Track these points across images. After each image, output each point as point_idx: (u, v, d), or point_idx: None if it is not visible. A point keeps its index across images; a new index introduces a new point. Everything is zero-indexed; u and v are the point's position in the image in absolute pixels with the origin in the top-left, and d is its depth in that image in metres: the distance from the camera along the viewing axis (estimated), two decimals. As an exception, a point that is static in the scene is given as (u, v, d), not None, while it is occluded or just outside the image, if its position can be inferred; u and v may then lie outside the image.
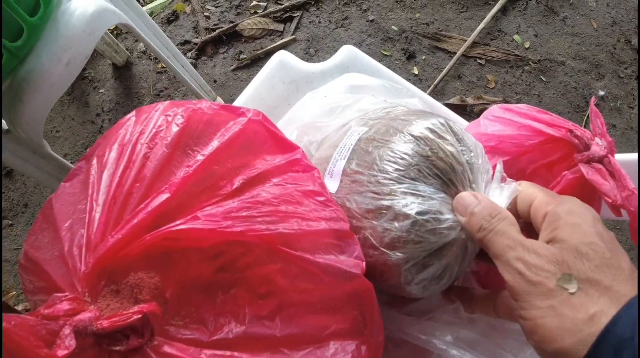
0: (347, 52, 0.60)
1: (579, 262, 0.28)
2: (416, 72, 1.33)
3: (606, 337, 0.26)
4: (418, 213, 0.35)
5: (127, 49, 1.38)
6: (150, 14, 1.43)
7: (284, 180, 0.37)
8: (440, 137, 0.38)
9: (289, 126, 0.49)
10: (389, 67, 1.29)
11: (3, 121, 0.73)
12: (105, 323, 0.28)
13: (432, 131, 0.38)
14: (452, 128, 0.39)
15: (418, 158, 0.37)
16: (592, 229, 0.30)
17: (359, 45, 1.36)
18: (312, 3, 1.43)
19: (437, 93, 1.31)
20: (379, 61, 1.31)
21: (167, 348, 0.30)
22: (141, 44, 1.39)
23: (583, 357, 0.26)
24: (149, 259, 0.32)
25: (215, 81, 1.32)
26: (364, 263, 0.35)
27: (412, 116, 0.41)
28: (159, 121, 0.38)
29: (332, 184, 0.41)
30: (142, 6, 1.45)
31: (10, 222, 1.31)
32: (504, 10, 1.45)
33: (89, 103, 1.36)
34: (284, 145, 0.39)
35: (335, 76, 0.57)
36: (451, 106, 1.10)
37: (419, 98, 0.54)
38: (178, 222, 0.31)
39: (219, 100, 1.25)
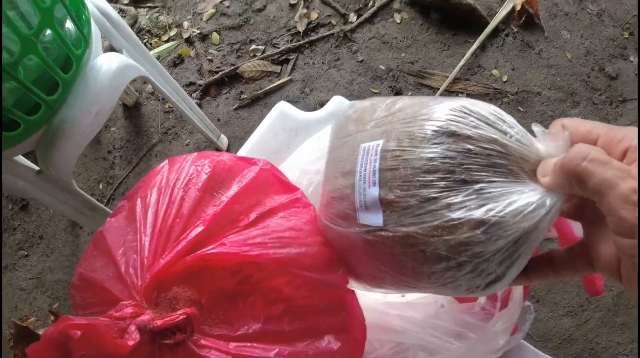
0: (337, 101, 0.72)
1: None
2: (402, 107, 1.46)
3: None
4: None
5: (136, 91, 1.50)
6: (158, 58, 1.55)
7: (288, 214, 0.48)
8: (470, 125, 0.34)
9: (289, 170, 0.60)
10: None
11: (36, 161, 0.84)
12: (159, 323, 0.39)
13: (456, 121, 0.34)
14: (471, 110, 0.35)
15: (460, 156, 0.33)
16: None
17: (350, 84, 1.49)
18: (307, 46, 1.56)
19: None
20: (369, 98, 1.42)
21: (203, 342, 0.40)
22: (149, 86, 1.51)
23: None
24: (188, 276, 0.42)
25: (219, 119, 1.44)
26: (347, 277, 0.46)
27: (425, 109, 0.37)
28: (190, 169, 0.49)
29: (372, 218, 0.37)
30: (150, 50, 1.58)
31: (26, 253, 1.40)
32: (482, 47, 1.58)
33: (101, 141, 1.47)
34: (288, 187, 0.50)
35: (328, 122, 0.69)
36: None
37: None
38: (210, 247, 0.42)
39: (223, 137, 1.36)
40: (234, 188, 0.48)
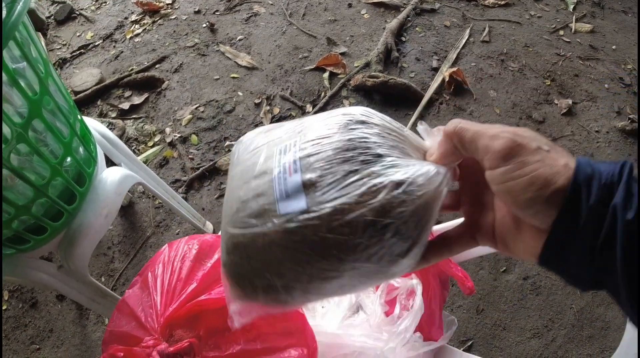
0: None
1: (533, 136, 0.36)
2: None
3: (578, 175, 0.33)
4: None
5: (129, 192, 1.72)
6: (145, 161, 1.79)
7: (255, 270, 0.69)
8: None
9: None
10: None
11: (58, 257, 1.04)
12: (172, 349, 0.58)
13: (366, 115, 0.41)
14: (374, 112, 0.42)
15: (373, 136, 0.39)
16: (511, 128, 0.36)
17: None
18: (272, 137, 1.82)
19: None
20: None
21: (203, 361, 0.60)
22: (140, 186, 1.74)
23: (569, 191, 0.33)
24: (189, 318, 0.62)
25: (203, 209, 1.66)
26: (300, 312, 0.66)
27: (335, 112, 0.43)
28: (184, 248, 0.70)
29: (295, 204, 0.37)
30: (138, 156, 1.82)
31: (37, 346, 1.54)
32: (421, 116, 1.86)
33: (101, 239, 1.67)
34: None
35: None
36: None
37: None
38: (202, 297, 0.63)
39: (208, 224, 1.58)
40: (215, 256, 0.69)
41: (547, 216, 0.34)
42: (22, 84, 0.73)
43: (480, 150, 0.36)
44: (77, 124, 0.96)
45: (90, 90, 2.08)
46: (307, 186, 0.37)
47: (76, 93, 2.10)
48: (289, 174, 0.37)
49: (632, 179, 0.32)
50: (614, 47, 2.15)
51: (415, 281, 0.74)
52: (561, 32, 2.17)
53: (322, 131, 0.40)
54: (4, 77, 0.70)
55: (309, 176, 0.37)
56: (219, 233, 0.51)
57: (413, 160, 0.39)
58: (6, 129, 0.73)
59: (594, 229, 0.32)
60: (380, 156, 0.37)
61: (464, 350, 1.35)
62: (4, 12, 0.67)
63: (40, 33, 2.45)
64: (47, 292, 1.60)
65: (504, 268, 1.54)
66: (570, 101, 1.92)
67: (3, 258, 0.95)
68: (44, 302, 1.59)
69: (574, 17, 2.23)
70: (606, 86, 2.00)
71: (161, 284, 0.66)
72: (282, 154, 0.39)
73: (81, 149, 0.99)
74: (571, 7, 2.28)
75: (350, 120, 0.40)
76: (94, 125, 1.13)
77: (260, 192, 0.38)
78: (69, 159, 0.91)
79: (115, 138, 1.16)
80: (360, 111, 0.42)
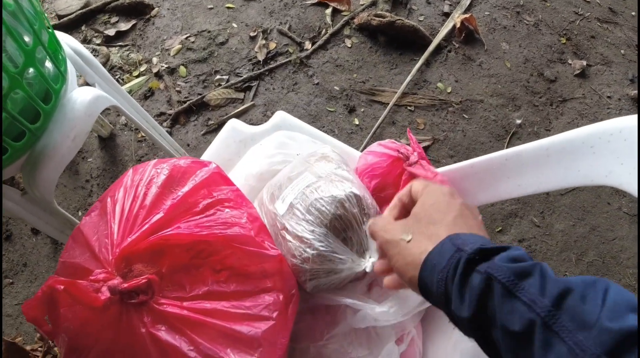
0: (280, 116, 0.85)
1: (416, 224, 0.44)
2: (357, 122, 1.60)
3: (426, 263, 0.40)
4: (323, 250, 0.58)
5: (110, 123, 1.61)
6: (130, 92, 1.67)
7: (231, 204, 0.60)
8: (350, 206, 0.60)
9: (238, 174, 0.72)
10: (333, 120, 1.56)
11: (22, 184, 0.94)
12: (126, 285, 0.50)
13: (345, 199, 0.60)
14: (359, 199, 0.61)
15: (332, 215, 0.59)
16: (432, 201, 0.45)
17: (308, 105, 1.62)
18: (267, 73, 1.70)
19: (376, 137, 1.57)
20: (325, 117, 1.56)
21: (162, 301, 0.51)
22: (123, 118, 1.63)
23: (418, 278, 0.40)
24: (151, 253, 0.54)
25: (188, 145, 1.55)
26: (277, 250, 0.57)
27: (337, 182, 0.63)
28: (151, 172, 0.60)
29: (281, 208, 0.64)
30: (122, 85, 1.70)
31: (11, 280, 1.48)
32: (427, 63, 1.74)
33: (79, 171, 1.57)
34: (231, 184, 0.62)
35: (271, 133, 0.81)
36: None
37: (331, 146, 0.78)
38: (168, 230, 0.54)
39: (192, 159, 1.48)
40: (189, 185, 0.59)
41: (414, 288, 0.42)
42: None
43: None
44: (44, 34, 0.84)
45: (74, 14, 1.92)
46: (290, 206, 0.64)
47: (60, 17, 1.94)
48: (280, 194, 0.66)
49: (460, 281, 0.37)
50: (633, 13, 2.02)
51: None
52: (582, -11, 2.03)
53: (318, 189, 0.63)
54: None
55: (295, 201, 0.63)
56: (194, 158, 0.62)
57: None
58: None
59: (443, 302, 0.39)
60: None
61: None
62: None
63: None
64: (21, 225, 1.52)
65: (500, 228, 1.47)
66: (584, 63, 1.81)
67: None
68: (18, 235, 1.51)
69: (597, -29, 2.07)
70: (622, 51, 1.89)
71: (120, 210, 0.57)
72: (292, 189, 0.65)
73: (49, 64, 0.87)
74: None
75: (335, 196, 0.62)
76: (66, 40, 1.01)
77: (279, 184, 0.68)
78: (31, 70, 0.80)
79: (90, 56, 1.04)
80: (346, 196, 0.62)
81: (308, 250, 0.57)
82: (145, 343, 0.50)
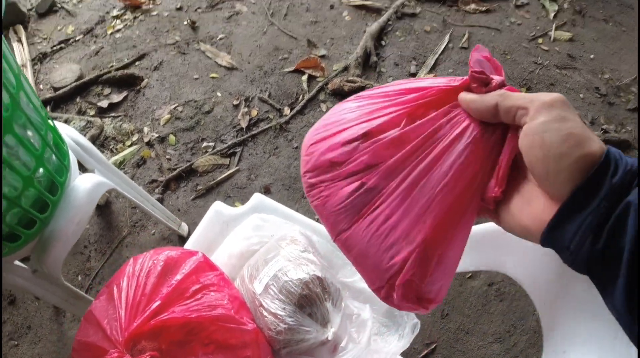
0: (257, 198, 0.99)
1: None
2: (334, 183, 1.74)
3: (610, 150, 0.35)
4: (292, 324, 0.71)
5: (106, 192, 1.74)
6: (122, 161, 1.81)
7: (215, 288, 0.73)
8: (314, 286, 0.75)
9: (222, 254, 0.85)
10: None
11: (31, 261, 1.06)
12: (134, 363, 0.62)
13: (309, 281, 0.74)
14: (321, 280, 0.76)
15: (299, 295, 0.72)
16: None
17: (288, 168, 1.77)
18: (250, 139, 1.85)
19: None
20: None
21: (163, 374, 0.64)
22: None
23: (600, 161, 0.34)
24: (152, 333, 0.66)
25: (179, 210, 1.69)
26: (254, 324, 0.70)
27: (303, 265, 0.77)
28: (149, 263, 0.74)
29: (259, 287, 0.77)
30: (115, 155, 1.84)
31: (16, 343, 1.57)
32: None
33: (78, 238, 1.69)
34: (213, 268, 0.76)
35: (250, 215, 0.95)
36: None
37: (300, 229, 0.92)
38: (165, 314, 0.66)
39: (183, 225, 1.61)
40: (181, 273, 0.73)
41: (569, 179, 0.35)
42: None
43: (523, 104, 0.38)
44: (49, 135, 0.98)
45: (69, 87, 2.08)
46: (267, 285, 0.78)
47: (55, 89, 2.10)
48: (260, 274, 0.79)
49: None
50: (592, 56, 2.18)
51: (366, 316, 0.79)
52: (540, 40, 2.22)
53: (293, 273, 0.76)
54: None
55: (270, 281, 0.76)
56: (185, 246, 0.78)
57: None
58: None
59: (608, 207, 0.33)
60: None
61: (427, 353, 1.42)
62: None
63: (21, 26, 2.44)
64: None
65: (470, 274, 1.60)
66: (543, 110, 1.96)
67: (-24, 264, 0.98)
68: (22, 299, 1.61)
69: (554, 25, 2.27)
70: (581, 95, 2.04)
71: (126, 298, 0.70)
72: (266, 271, 0.78)
73: (54, 158, 1.01)
74: (552, 14, 2.32)
75: (301, 278, 0.75)
76: (67, 131, 1.15)
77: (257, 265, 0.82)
78: (41, 170, 0.93)
79: (88, 144, 1.18)
80: (310, 278, 0.76)
81: (281, 324, 0.70)
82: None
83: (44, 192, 0.94)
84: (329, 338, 0.71)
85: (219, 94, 2.02)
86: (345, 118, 0.49)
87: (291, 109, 1.93)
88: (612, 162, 0.34)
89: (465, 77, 0.45)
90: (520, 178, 0.42)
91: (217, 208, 0.97)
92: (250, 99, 1.99)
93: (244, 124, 1.89)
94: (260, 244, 0.86)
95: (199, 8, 2.45)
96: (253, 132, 1.87)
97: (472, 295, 1.53)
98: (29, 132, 0.90)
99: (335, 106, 0.52)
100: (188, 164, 1.78)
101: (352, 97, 0.52)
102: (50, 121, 1.01)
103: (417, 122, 0.45)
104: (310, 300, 0.72)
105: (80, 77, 2.12)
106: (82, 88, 2.10)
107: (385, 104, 0.47)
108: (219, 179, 1.74)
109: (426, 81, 0.47)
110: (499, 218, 0.43)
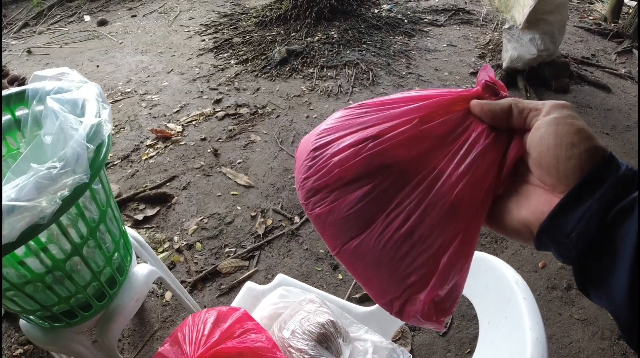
0: (280, 277, 1.25)
1: None
2: (340, 277, 1.99)
3: (612, 152, 0.37)
4: (314, 355, 0.94)
5: (140, 291, 1.99)
6: (155, 265, 2.08)
7: (254, 331, 0.97)
8: (329, 327, 0.99)
9: (255, 316, 1.10)
10: (321, 277, 1.95)
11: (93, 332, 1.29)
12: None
13: (325, 323, 0.99)
14: (334, 323, 1.00)
15: (317, 333, 0.97)
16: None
17: (300, 267, 2.03)
18: (266, 244, 2.14)
19: (357, 288, 1.95)
20: (315, 275, 1.94)
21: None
22: (150, 287, 2.01)
23: (607, 155, 0.37)
24: (210, 361, 0.90)
25: (205, 306, 1.92)
26: (284, 356, 0.94)
27: (320, 314, 1.02)
28: (206, 315, 0.99)
29: (287, 333, 1.00)
30: (149, 260, 2.11)
31: None
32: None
33: (113, 334, 1.90)
34: (252, 320, 1.01)
35: (273, 290, 1.21)
36: (367, 295, 1.74)
37: (316, 294, 1.17)
38: (221, 345, 0.90)
39: (209, 317, 1.82)
40: (229, 321, 0.97)
41: (578, 167, 0.37)
42: (98, 199, 1.06)
43: (536, 106, 0.41)
44: (122, 228, 1.28)
45: (108, 204, 2.42)
46: (293, 332, 1.02)
47: (96, 207, 2.44)
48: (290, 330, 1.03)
49: None
50: None
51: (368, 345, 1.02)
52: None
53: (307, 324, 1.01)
54: (88, 193, 1.04)
55: (294, 333, 1.01)
56: (230, 306, 0.99)
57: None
58: (83, 229, 1.05)
59: (614, 197, 0.35)
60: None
61: None
62: (93, 153, 1.02)
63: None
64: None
65: (469, 349, 1.78)
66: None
67: (53, 330, 1.21)
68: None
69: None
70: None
71: (189, 338, 0.94)
72: (296, 327, 1.02)
73: (123, 249, 1.30)
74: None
75: (313, 332, 1.00)
76: (129, 231, 1.45)
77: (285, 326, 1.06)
78: (116, 254, 1.22)
79: (144, 242, 1.47)
80: (322, 332, 1.00)
81: (305, 356, 0.93)
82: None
83: (115, 272, 1.22)
84: (341, 365, 0.93)
85: (238, 207, 2.35)
86: (351, 123, 0.47)
87: (301, 218, 2.24)
88: (616, 160, 0.37)
89: (477, 87, 0.46)
90: (518, 181, 0.43)
91: (249, 285, 1.24)
92: (265, 211, 2.31)
93: (260, 232, 2.18)
94: (285, 308, 1.11)
95: (220, 138, 2.89)
96: (269, 238, 2.16)
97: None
98: (112, 227, 1.20)
99: (334, 113, 0.50)
100: (213, 267, 2.04)
101: (355, 105, 0.50)
102: (123, 223, 1.32)
103: (432, 123, 0.44)
104: (326, 336, 0.96)
105: (118, 195, 2.47)
106: (120, 204, 2.43)
107: (395, 109, 0.46)
108: (240, 278, 1.99)
109: (435, 90, 0.47)
110: (493, 218, 0.44)
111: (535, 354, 0.59)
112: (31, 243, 0.94)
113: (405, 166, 0.43)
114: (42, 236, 1.03)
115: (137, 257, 1.44)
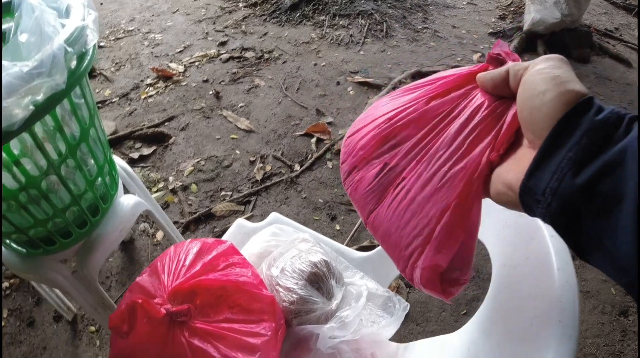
0: (273, 215, 1.17)
1: None
2: (338, 228, 1.92)
3: (593, 98, 0.35)
4: (303, 295, 0.86)
5: (132, 229, 1.92)
6: (148, 204, 2.01)
7: (240, 265, 0.90)
8: (321, 266, 0.91)
9: (244, 253, 1.02)
10: (318, 227, 1.88)
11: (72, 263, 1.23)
12: (174, 309, 0.78)
13: (318, 262, 0.91)
14: (327, 263, 0.93)
15: (308, 273, 0.89)
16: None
17: (297, 215, 1.96)
18: (263, 190, 2.06)
19: (354, 240, 1.88)
20: (312, 224, 1.87)
21: (196, 322, 0.79)
22: (141, 225, 1.94)
23: (584, 99, 0.34)
24: (190, 292, 0.82)
25: (196, 246, 1.86)
26: (272, 295, 0.86)
27: (313, 253, 0.94)
28: (189, 246, 0.91)
29: (275, 271, 0.92)
30: (142, 199, 2.04)
31: (30, 363, 1.67)
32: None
33: (101, 269, 1.84)
34: (238, 254, 0.93)
35: (265, 227, 1.13)
36: (364, 247, 1.67)
37: (310, 234, 1.10)
38: (202, 277, 0.83)
39: (200, 258, 1.77)
40: (213, 254, 0.90)
41: (550, 115, 0.35)
42: (79, 115, 0.97)
43: (527, 64, 0.40)
44: (108, 153, 1.19)
45: (104, 140, 2.34)
46: (282, 268, 0.94)
47: (91, 142, 2.35)
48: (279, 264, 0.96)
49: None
50: None
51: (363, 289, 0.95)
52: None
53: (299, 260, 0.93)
54: (67, 106, 0.94)
55: (286, 266, 0.94)
56: (216, 238, 0.92)
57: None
58: (62, 146, 0.96)
59: (589, 144, 0.32)
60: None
61: None
62: (75, 62, 0.92)
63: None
64: (44, 312, 1.75)
65: (465, 310, 1.72)
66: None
67: (30, 257, 1.15)
68: (40, 322, 1.74)
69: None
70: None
71: (168, 268, 0.87)
72: (284, 260, 0.95)
73: (108, 175, 1.21)
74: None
75: (311, 261, 0.93)
76: (117, 160, 1.36)
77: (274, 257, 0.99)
78: (99, 179, 1.14)
79: (133, 172, 1.39)
80: (320, 262, 0.93)
81: (293, 295, 0.86)
82: (185, 349, 0.76)
83: (98, 198, 1.14)
84: (333, 308, 0.86)
85: (237, 152, 2.26)
86: (377, 112, 0.52)
87: (301, 166, 2.15)
88: (596, 104, 0.34)
89: (484, 64, 0.47)
90: (517, 145, 0.42)
91: (240, 222, 1.16)
92: (265, 156, 2.23)
93: (258, 177, 2.10)
94: (276, 246, 1.04)
95: (222, 81, 2.77)
96: (266, 184, 2.08)
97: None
98: (96, 149, 1.11)
99: (372, 104, 0.55)
100: (207, 209, 1.97)
101: (387, 94, 0.55)
102: (109, 146, 1.23)
103: (435, 102, 0.47)
104: (318, 277, 0.88)
105: (114, 132, 2.38)
106: (115, 141, 2.35)
107: (413, 93, 0.50)
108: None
109: (452, 70, 0.49)
110: (488, 185, 0.44)
111: (565, 297, 0.51)
112: (3, 155, 0.86)
113: (411, 144, 0.48)
114: (15, 148, 0.95)
115: (126, 191, 1.36)
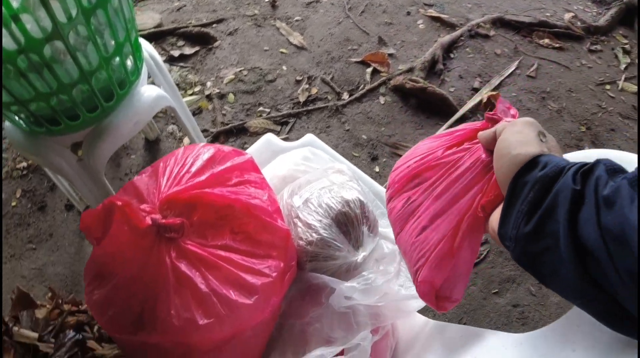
0: (309, 137, 1.00)
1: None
2: (377, 170, 1.74)
3: (541, 156, 0.43)
4: (325, 236, 0.70)
5: (159, 129, 1.80)
6: (180, 107, 1.87)
7: (257, 185, 0.73)
8: (354, 207, 0.74)
9: (267, 173, 0.86)
10: (356, 164, 1.70)
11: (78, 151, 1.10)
12: (163, 221, 0.63)
13: (352, 201, 0.74)
14: (362, 204, 0.76)
15: (338, 211, 0.72)
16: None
17: (335, 147, 1.78)
18: (304, 113, 1.88)
19: (391, 189, 1.71)
20: (349, 161, 1.70)
21: (187, 242, 0.64)
22: (170, 127, 1.81)
23: (530, 160, 0.43)
24: (188, 204, 0.67)
25: (222, 159, 1.72)
26: (287, 228, 0.70)
27: (348, 189, 0.77)
28: (200, 150, 0.75)
29: (297, 201, 0.77)
30: (175, 100, 1.90)
31: (34, 246, 1.60)
32: (451, 127, 1.89)
33: (121, 164, 1.74)
34: (257, 171, 0.77)
35: (297, 148, 0.96)
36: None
37: (348, 166, 0.92)
38: (206, 189, 0.67)
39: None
40: (227, 165, 0.74)
41: (507, 175, 0.44)
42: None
43: (503, 127, 0.50)
44: (133, 34, 1.02)
45: (147, 31, 2.18)
46: (306, 199, 0.79)
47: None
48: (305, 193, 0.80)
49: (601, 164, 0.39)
50: None
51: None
52: (607, 87, 2.17)
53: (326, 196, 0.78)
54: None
55: (309, 197, 0.79)
56: (234, 148, 0.79)
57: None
58: (73, 7, 0.80)
59: (536, 197, 0.40)
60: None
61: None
62: None
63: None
64: (57, 199, 1.68)
65: (496, 289, 1.55)
66: (600, 153, 1.92)
67: (33, 135, 1.02)
68: (52, 208, 1.66)
69: (623, 75, 2.23)
70: (639, 146, 2.00)
71: (170, 171, 0.71)
72: (309, 189, 0.80)
73: (130, 59, 1.05)
74: (623, 66, 2.28)
75: (342, 197, 0.77)
76: (146, 46, 1.20)
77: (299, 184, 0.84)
78: (117, 59, 0.98)
79: (162, 63, 1.22)
80: (350, 200, 0.77)
81: (314, 234, 0.70)
82: (167, 271, 0.62)
83: (113, 81, 0.98)
84: (359, 261, 0.70)
85: (284, 67, 2.07)
86: (415, 152, 0.64)
87: (350, 95, 1.95)
88: (542, 162, 0.42)
89: (486, 122, 0.58)
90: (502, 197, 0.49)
91: (269, 137, 0.99)
92: (313, 78, 2.02)
93: (302, 99, 1.92)
94: (306, 173, 0.87)
95: (282, -10, 2.52)
96: (309, 108, 1.89)
97: (494, 312, 1.49)
98: (117, 23, 0.94)
99: (418, 144, 0.67)
100: (241, 122, 1.82)
101: (427, 139, 0.66)
102: (136, 26, 1.06)
103: (449, 151, 0.59)
104: (349, 218, 0.72)
105: (159, 25, 2.21)
106: (158, 35, 2.19)
107: (438, 140, 0.62)
108: (266, 141, 1.76)
109: (464, 125, 0.62)
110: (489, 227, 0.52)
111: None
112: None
113: (429, 183, 0.59)
114: (15, 1, 0.79)
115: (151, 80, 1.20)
